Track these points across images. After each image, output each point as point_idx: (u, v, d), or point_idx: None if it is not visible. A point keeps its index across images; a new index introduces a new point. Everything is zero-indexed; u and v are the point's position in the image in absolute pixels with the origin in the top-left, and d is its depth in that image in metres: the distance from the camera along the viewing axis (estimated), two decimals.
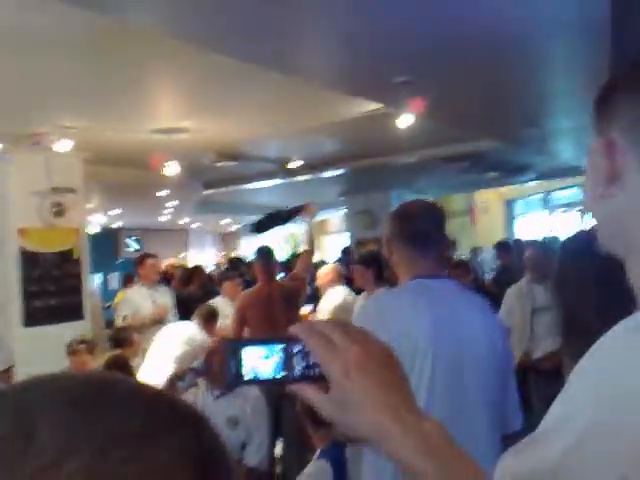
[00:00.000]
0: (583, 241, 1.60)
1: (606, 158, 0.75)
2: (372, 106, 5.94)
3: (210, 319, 4.71)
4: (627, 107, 0.74)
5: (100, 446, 0.35)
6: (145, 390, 0.42)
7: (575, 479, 0.67)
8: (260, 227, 5.21)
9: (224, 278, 6.83)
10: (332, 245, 15.29)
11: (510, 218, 13.31)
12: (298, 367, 0.69)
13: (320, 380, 0.68)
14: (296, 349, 0.69)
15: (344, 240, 12.69)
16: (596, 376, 0.69)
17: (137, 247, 15.17)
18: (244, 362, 0.69)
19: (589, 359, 0.70)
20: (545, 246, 5.14)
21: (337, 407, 0.66)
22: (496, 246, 8.25)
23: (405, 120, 5.99)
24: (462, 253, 10.43)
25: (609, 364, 0.68)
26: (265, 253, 4.89)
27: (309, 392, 0.68)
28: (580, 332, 1.21)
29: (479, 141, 7.68)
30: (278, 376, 0.69)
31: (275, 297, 4.61)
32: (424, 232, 1.94)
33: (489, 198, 13.17)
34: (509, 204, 13.28)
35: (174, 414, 0.41)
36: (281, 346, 0.69)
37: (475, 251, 11.61)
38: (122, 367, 3.69)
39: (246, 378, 0.69)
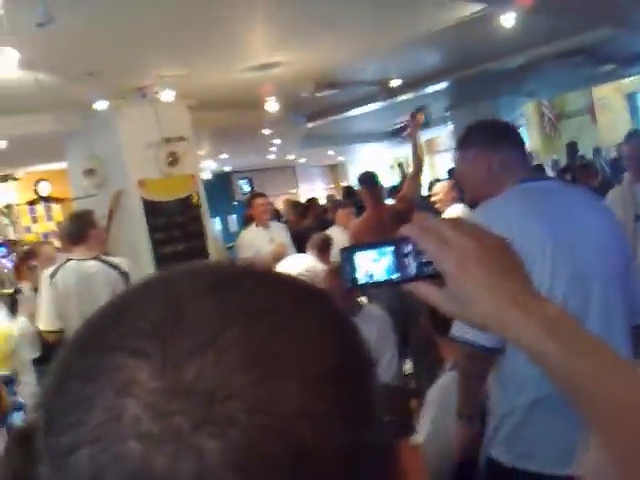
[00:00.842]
0: None
1: None
2: (471, 9, 5.60)
3: (324, 248, 4.76)
4: None
5: (249, 318, 0.37)
6: (276, 272, 0.45)
7: None
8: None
9: (338, 207, 6.88)
10: (443, 163, 14.92)
11: (634, 111, 12.32)
12: (412, 266, 0.69)
13: (435, 277, 0.68)
14: (408, 249, 0.69)
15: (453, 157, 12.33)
16: None
17: (249, 188, 15.53)
18: (358, 267, 0.71)
19: None
20: None
21: (455, 301, 0.66)
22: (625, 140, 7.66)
23: (508, 19, 5.61)
24: (584, 154, 9.84)
25: None
26: (368, 179, 4.85)
27: (426, 289, 0.68)
28: None
29: (590, 31, 7.07)
30: (393, 277, 0.70)
31: (385, 220, 4.58)
32: (515, 136, 1.98)
33: (608, 93, 12.22)
34: (631, 97, 12.27)
35: (308, 287, 0.44)
36: (393, 247, 0.70)
37: (598, 151, 10.91)
38: None
39: (361, 282, 0.71)
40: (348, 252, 0.72)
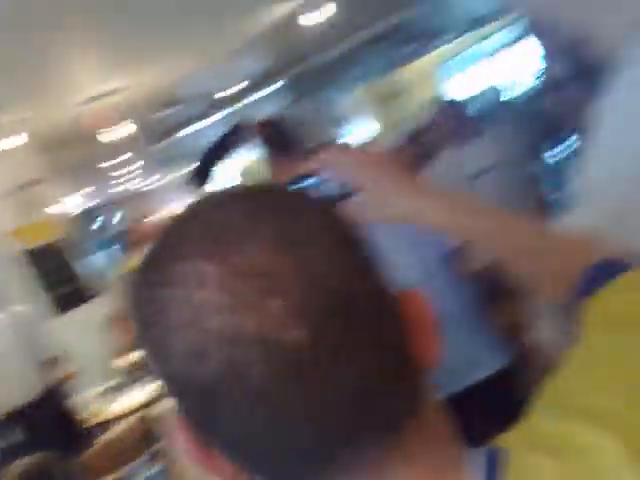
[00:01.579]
0: None
1: None
2: (279, 10, 5.99)
3: None
4: None
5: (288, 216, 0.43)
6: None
7: None
8: (201, 173, 3.44)
9: None
10: None
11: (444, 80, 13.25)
12: (329, 191, 0.75)
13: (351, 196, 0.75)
14: (313, 181, 0.76)
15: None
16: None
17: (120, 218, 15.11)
18: None
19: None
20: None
21: (376, 206, 0.74)
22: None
23: (311, 17, 6.14)
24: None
25: None
26: None
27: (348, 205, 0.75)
28: None
29: (388, 18, 7.83)
30: None
31: None
32: None
33: (416, 73, 12.96)
34: (438, 72, 13.18)
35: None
36: (298, 183, 0.76)
37: None
38: None
39: None
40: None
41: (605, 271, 0.58)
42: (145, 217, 6.76)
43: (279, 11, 6.09)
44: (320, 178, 0.75)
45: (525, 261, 0.70)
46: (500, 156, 3.13)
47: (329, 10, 6.12)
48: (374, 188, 0.74)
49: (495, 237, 0.71)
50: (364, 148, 0.97)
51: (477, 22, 10.05)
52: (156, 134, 9.83)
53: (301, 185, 0.75)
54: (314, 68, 9.00)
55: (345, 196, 0.75)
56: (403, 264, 1.04)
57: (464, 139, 3.24)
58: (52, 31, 4.48)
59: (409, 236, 1.83)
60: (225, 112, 9.69)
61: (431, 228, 0.74)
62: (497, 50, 12.24)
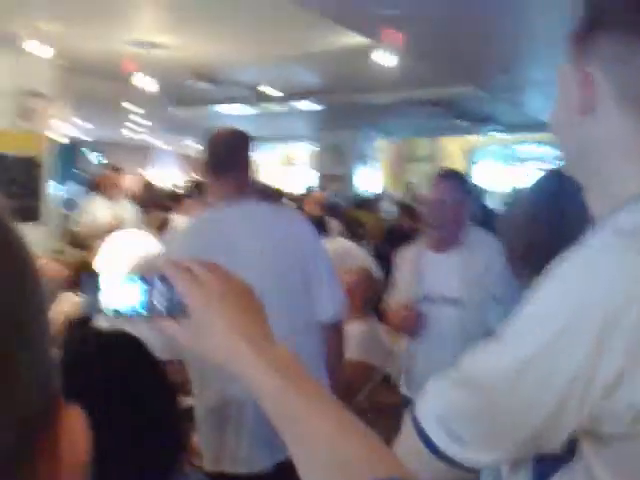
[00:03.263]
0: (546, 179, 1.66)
1: (582, 89, 0.81)
2: (353, 40, 5.98)
3: (161, 228, 4.90)
4: (607, 43, 0.80)
5: None
6: None
7: (540, 375, 0.72)
8: None
9: (186, 196, 6.99)
10: (299, 177, 15.33)
11: (470, 167, 13.59)
12: (162, 303, 0.70)
13: (183, 316, 0.70)
14: (161, 285, 0.70)
15: (310, 175, 12.77)
16: (572, 281, 0.75)
17: (101, 160, 14.97)
18: (107, 293, 0.69)
19: (562, 266, 0.76)
20: None
21: (195, 334, 0.70)
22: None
23: (384, 57, 6.05)
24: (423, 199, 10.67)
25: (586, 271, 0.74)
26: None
27: (169, 325, 0.71)
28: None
29: (453, 86, 7.81)
30: (142, 311, 0.70)
31: None
32: (222, 156, 2.04)
33: (452, 146, 13.37)
34: (471, 154, 13.52)
35: None
36: (144, 281, 0.70)
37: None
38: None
39: (107, 310, 0.70)
40: (94, 278, 0.69)
41: None
42: (118, 170, 6.59)
43: (347, 40, 6.05)
44: (154, 283, 0.70)
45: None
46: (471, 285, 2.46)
47: (394, 59, 6.05)
48: (199, 313, 0.70)
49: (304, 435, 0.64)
50: (213, 263, 0.73)
51: (530, 127, 10.04)
52: (177, 100, 9.64)
53: (152, 286, 0.70)
54: (359, 104, 8.82)
55: (174, 311, 0.70)
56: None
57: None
58: None
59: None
60: (252, 109, 9.46)
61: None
62: (530, 160, 12.48)
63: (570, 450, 0.77)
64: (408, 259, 2.64)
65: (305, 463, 0.65)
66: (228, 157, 2.04)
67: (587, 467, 0.76)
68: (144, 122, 11.47)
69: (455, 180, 2.59)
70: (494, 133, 11.60)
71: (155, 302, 0.70)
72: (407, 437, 0.83)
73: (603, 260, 0.74)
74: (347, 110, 9.28)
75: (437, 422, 0.79)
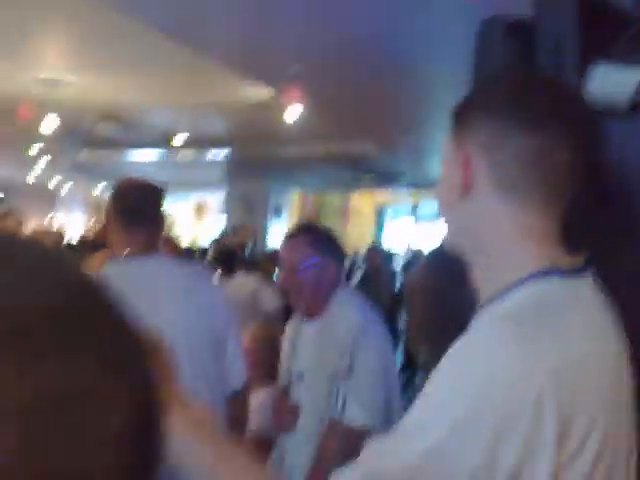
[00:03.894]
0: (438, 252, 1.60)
1: (463, 170, 0.83)
2: (260, 92, 6.09)
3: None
4: (482, 125, 0.83)
5: None
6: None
7: (440, 469, 0.72)
8: None
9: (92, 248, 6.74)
10: (212, 227, 15.18)
11: (380, 224, 13.90)
12: None
13: None
14: None
15: (221, 222, 12.69)
16: (454, 377, 0.75)
17: (1, 204, 14.32)
18: None
19: (446, 363, 0.76)
20: None
21: None
22: (367, 250, 8.61)
23: (290, 111, 6.18)
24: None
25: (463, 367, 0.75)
26: None
27: None
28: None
29: (358, 143, 8.04)
30: None
31: None
32: (134, 208, 1.96)
33: (362, 202, 13.68)
34: (381, 210, 13.86)
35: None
36: None
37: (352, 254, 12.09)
38: None
39: None
40: None
41: None
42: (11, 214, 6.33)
43: (254, 92, 6.16)
44: None
45: None
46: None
47: (297, 114, 6.18)
48: None
49: None
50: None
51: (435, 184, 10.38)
52: (85, 143, 9.45)
53: None
54: (268, 155, 8.94)
55: None
56: None
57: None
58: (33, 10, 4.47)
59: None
60: (163, 154, 9.40)
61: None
62: (436, 217, 12.93)
63: None
64: (289, 329, 2.20)
65: None
66: (139, 210, 1.95)
67: None
68: (48, 163, 11.13)
69: (303, 238, 2.04)
70: (402, 190, 11.96)
71: None
72: None
73: (489, 350, 0.74)
74: (257, 161, 9.36)
75: None
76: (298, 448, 2.00)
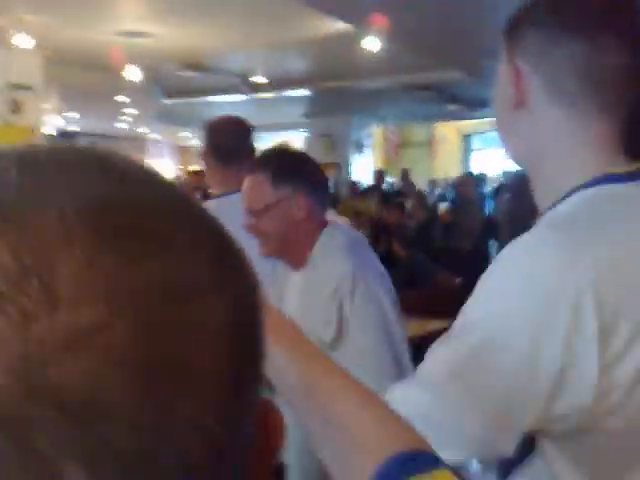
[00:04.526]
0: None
1: (514, 85, 0.83)
2: (341, 26, 5.95)
3: None
4: (530, 37, 0.82)
5: None
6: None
7: (471, 379, 0.74)
8: None
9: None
10: None
11: (467, 152, 13.57)
12: None
13: None
14: None
15: None
16: (497, 279, 0.77)
17: None
18: None
19: (492, 266, 0.78)
20: None
21: None
22: (457, 178, 8.47)
23: (370, 42, 6.02)
24: (419, 184, 10.68)
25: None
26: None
27: None
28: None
29: (442, 71, 7.77)
30: None
31: None
32: (229, 147, 1.95)
33: (447, 131, 13.35)
34: (466, 139, 13.50)
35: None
36: None
37: (434, 183, 11.88)
38: None
39: None
40: None
41: (407, 463, 0.52)
42: None
43: (335, 26, 6.02)
44: None
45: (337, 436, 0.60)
46: None
47: (380, 44, 6.03)
48: None
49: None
50: None
51: None
52: (167, 91, 9.62)
53: None
54: (350, 90, 8.79)
55: None
56: None
57: None
58: None
59: None
60: (245, 97, 9.44)
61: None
62: None
63: (529, 448, 0.77)
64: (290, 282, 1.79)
65: (322, 436, 0.63)
66: (234, 146, 1.97)
67: (547, 463, 0.76)
68: (135, 112, 11.44)
69: (261, 174, 1.59)
70: (489, 118, 11.56)
71: None
72: None
73: (531, 252, 0.75)
74: (338, 96, 9.24)
75: None
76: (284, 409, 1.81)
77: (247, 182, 1.60)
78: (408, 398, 0.78)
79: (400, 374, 1.41)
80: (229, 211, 1.90)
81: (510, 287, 0.75)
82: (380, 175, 10.28)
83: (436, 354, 0.79)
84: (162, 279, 0.26)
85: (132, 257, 0.26)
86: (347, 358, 1.18)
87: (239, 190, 1.73)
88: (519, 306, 0.73)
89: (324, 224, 1.60)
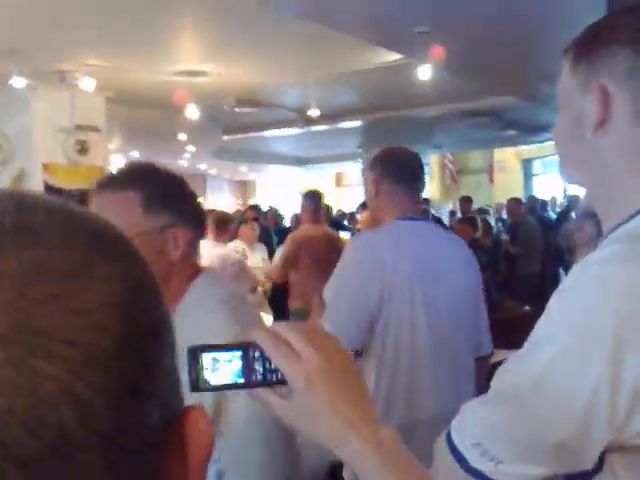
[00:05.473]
0: None
1: (599, 104, 0.81)
2: (392, 57, 5.97)
3: (222, 225, 5.02)
4: (622, 58, 0.80)
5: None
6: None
7: (552, 392, 0.73)
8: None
9: (241, 222, 7.02)
10: (350, 197, 15.34)
11: (528, 177, 13.30)
12: (259, 372, 0.68)
13: (281, 384, 0.68)
14: (257, 353, 0.68)
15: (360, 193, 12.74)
16: (570, 295, 0.76)
17: None
18: (204, 367, 0.68)
19: (564, 283, 0.78)
20: None
21: (299, 415, 0.68)
22: (508, 202, 8.30)
23: (424, 71, 6.01)
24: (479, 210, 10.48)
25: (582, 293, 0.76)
26: (313, 195, 4.82)
27: (270, 399, 0.69)
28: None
29: (498, 97, 7.68)
30: (239, 381, 0.68)
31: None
32: (411, 172, 2.04)
33: (506, 157, 13.14)
34: (526, 164, 13.25)
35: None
36: (241, 351, 0.69)
37: (497, 208, 11.67)
38: None
39: (205, 384, 0.68)
40: (194, 352, 0.68)
41: None
42: None
43: (382, 58, 6.08)
44: (250, 350, 0.68)
45: None
46: None
47: (433, 71, 6.00)
48: (300, 394, 0.66)
49: None
50: (312, 329, 0.69)
51: None
52: (224, 127, 9.83)
53: (248, 354, 0.68)
54: (403, 119, 8.78)
55: (281, 383, 0.68)
56: None
57: None
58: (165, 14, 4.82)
59: None
60: (298, 131, 9.55)
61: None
62: None
63: (599, 463, 0.76)
64: None
65: None
66: (411, 176, 2.05)
67: (614, 477, 0.76)
68: (193, 150, 11.73)
69: (131, 193, 1.19)
70: (549, 142, 11.33)
71: (252, 370, 0.68)
72: (440, 456, 0.83)
73: (611, 269, 0.74)
74: (393, 126, 9.24)
75: (471, 441, 0.78)
76: None
77: (110, 201, 1.18)
78: (485, 418, 0.79)
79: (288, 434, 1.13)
80: (422, 234, 1.97)
81: (588, 300, 0.74)
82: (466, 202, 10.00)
83: (512, 372, 0.79)
84: (35, 264, 0.29)
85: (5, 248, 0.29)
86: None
87: (413, 215, 2.00)
88: (597, 320, 0.72)
89: (197, 271, 1.24)
